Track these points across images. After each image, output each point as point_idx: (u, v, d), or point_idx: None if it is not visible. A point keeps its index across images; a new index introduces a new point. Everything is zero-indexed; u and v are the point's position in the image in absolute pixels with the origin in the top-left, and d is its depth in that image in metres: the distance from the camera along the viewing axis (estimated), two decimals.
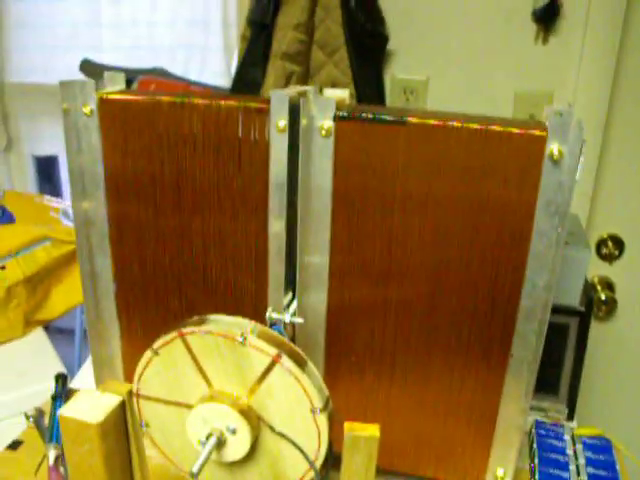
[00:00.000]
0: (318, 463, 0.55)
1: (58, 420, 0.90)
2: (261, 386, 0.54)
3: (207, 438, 0.54)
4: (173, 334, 0.54)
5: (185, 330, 0.54)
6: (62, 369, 1.14)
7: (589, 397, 1.39)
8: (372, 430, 0.52)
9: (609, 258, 1.39)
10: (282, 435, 0.54)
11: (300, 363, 0.53)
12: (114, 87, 0.74)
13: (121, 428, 0.56)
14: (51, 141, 1.61)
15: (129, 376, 0.83)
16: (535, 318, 0.66)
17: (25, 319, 1.17)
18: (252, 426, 0.54)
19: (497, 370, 0.69)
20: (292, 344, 0.54)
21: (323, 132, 0.63)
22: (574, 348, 0.99)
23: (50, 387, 0.99)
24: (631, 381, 1.44)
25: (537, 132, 0.60)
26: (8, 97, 1.50)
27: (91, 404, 0.55)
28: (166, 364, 0.56)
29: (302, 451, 0.54)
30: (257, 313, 0.73)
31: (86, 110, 0.70)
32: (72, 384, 0.98)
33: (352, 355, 0.71)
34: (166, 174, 0.71)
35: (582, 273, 0.95)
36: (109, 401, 0.55)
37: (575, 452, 0.80)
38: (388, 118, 0.62)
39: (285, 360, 0.52)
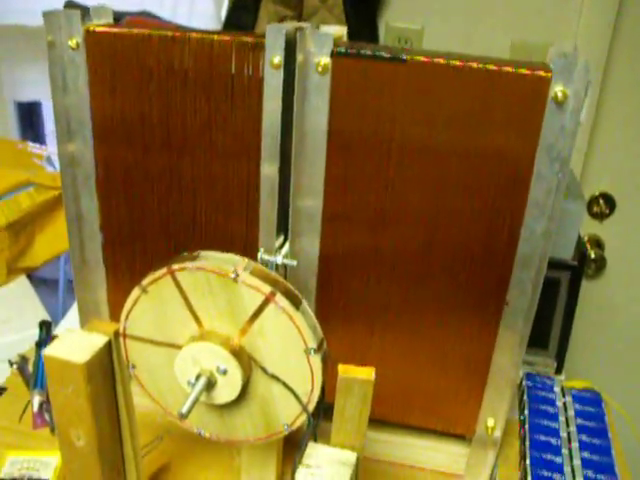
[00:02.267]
0: (311, 406, 0.54)
1: (42, 366, 0.89)
2: (253, 326, 0.52)
3: (196, 379, 0.53)
4: (162, 271, 0.53)
5: (175, 266, 0.52)
6: (46, 317, 1.13)
7: (577, 353, 1.40)
8: (367, 373, 0.51)
9: (600, 216, 1.38)
10: (274, 377, 0.53)
11: (294, 302, 0.52)
12: (100, 20, 0.71)
13: (107, 369, 0.55)
14: (34, 86, 1.55)
15: (116, 321, 0.81)
16: (532, 266, 0.65)
17: (8, 266, 1.14)
18: (243, 367, 0.52)
19: (492, 320, 0.68)
20: (286, 282, 0.53)
21: (320, 69, 0.61)
22: (565, 303, 0.99)
23: (34, 334, 0.98)
24: (618, 339, 1.45)
25: (542, 73, 0.58)
26: None
27: (76, 344, 0.53)
28: (155, 302, 0.54)
29: (295, 393, 0.53)
30: (247, 257, 0.71)
31: (72, 43, 0.67)
32: (56, 331, 0.97)
33: (344, 302, 0.70)
34: (155, 112, 0.68)
35: (576, 227, 0.94)
36: (95, 341, 0.54)
37: (565, 404, 0.80)
38: (387, 55, 0.60)
39: (280, 298, 0.50)
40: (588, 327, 1.41)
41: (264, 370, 0.53)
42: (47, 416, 0.81)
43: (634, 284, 1.42)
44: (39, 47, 1.52)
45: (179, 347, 0.54)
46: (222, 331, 0.53)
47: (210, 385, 0.53)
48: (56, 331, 0.97)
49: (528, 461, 0.71)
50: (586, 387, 0.85)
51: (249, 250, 0.71)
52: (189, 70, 0.65)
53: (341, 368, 0.52)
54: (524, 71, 0.58)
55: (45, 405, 0.82)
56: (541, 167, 0.61)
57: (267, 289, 0.51)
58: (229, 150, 0.67)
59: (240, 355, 0.53)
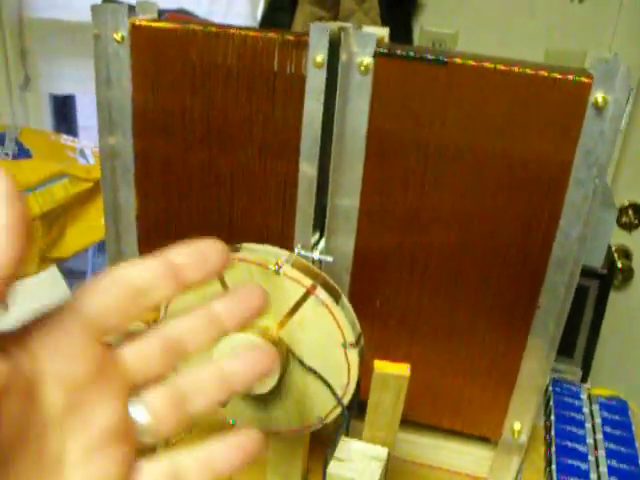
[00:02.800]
0: (346, 400, 0.54)
1: None
2: (293, 318, 0.53)
3: None
4: None
5: None
6: None
7: (602, 362, 1.39)
8: (402, 369, 0.52)
9: (629, 227, 1.38)
10: (311, 369, 0.54)
11: (334, 296, 0.52)
12: (145, 15, 0.72)
13: None
14: (69, 80, 1.58)
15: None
16: (566, 270, 0.65)
17: (40, 256, 1.16)
18: (281, 359, 0.53)
19: (522, 323, 0.68)
20: (326, 276, 0.53)
21: (362, 68, 0.62)
22: (592, 311, 0.99)
23: None
24: None
25: (583, 78, 0.58)
26: (27, 33, 1.47)
27: None
28: (195, 293, 0.55)
29: (330, 386, 0.53)
30: None
31: (117, 36, 0.69)
32: None
33: (377, 300, 0.71)
34: (196, 107, 0.69)
35: (607, 235, 0.94)
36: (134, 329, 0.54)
37: (591, 411, 0.80)
38: (429, 57, 0.60)
39: (320, 291, 0.51)
40: (614, 337, 1.41)
41: (301, 362, 0.54)
42: None
43: None
44: (75, 42, 1.55)
45: None
46: (261, 323, 0.54)
47: None
48: None
49: (554, 466, 0.71)
50: (613, 395, 0.84)
51: (284, 247, 0.72)
52: (232, 66, 0.66)
53: (377, 364, 0.52)
54: (565, 76, 0.59)
55: None
56: (579, 172, 0.61)
57: (308, 282, 0.51)
58: (268, 147, 0.68)
59: (279, 346, 0.53)
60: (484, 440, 0.78)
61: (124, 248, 0.79)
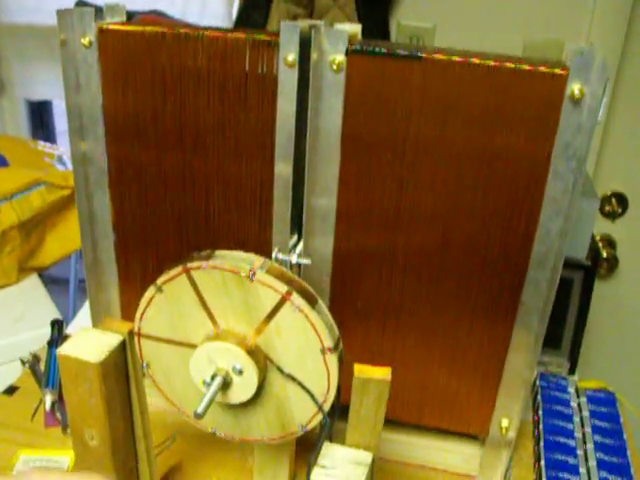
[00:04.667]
0: (326, 406, 0.53)
1: (54, 365, 0.89)
2: (269, 325, 0.52)
3: (212, 378, 0.53)
4: (178, 269, 0.52)
5: (190, 265, 0.52)
6: (57, 315, 1.13)
7: (588, 353, 1.39)
8: (383, 373, 0.51)
9: (612, 216, 1.37)
10: (290, 377, 0.53)
11: (311, 301, 0.51)
12: (114, 19, 0.71)
13: (122, 368, 0.54)
14: (44, 85, 1.55)
15: (128, 321, 0.81)
16: (548, 265, 0.64)
17: (19, 265, 1.14)
18: (259, 367, 0.52)
19: (506, 319, 0.68)
20: (302, 281, 0.52)
21: (334, 67, 0.60)
22: (578, 303, 0.98)
23: (45, 333, 0.98)
24: (631, 338, 1.44)
25: (558, 71, 0.57)
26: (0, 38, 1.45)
27: (91, 343, 0.53)
28: (170, 301, 0.54)
29: (310, 394, 0.52)
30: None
31: (85, 41, 0.67)
32: (68, 330, 0.97)
33: (358, 301, 0.70)
34: (168, 111, 0.68)
35: (590, 226, 0.93)
36: (109, 340, 0.53)
37: (579, 404, 0.80)
38: (403, 53, 0.59)
39: (295, 297, 0.50)
40: (600, 327, 1.41)
41: (280, 370, 0.53)
42: (59, 415, 0.81)
43: None
44: (50, 46, 1.53)
45: (194, 346, 0.54)
46: (238, 330, 0.53)
47: (226, 385, 0.53)
48: (68, 330, 0.97)
49: (543, 462, 0.71)
50: (600, 387, 0.84)
51: (262, 249, 0.71)
52: (202, 68, 0.65)
53: (357, 368, 0.51)
54: (541, 69, 0.58)
55: (57, 404, 0.82)
56: (557, 166, 0.60)
57: (283, 288, 0.50)
58: (242, 149, 0.67)
59: (256, 354, 0.52)
60: (472, 437, 0.77)
61: (101, 255, 0.78)
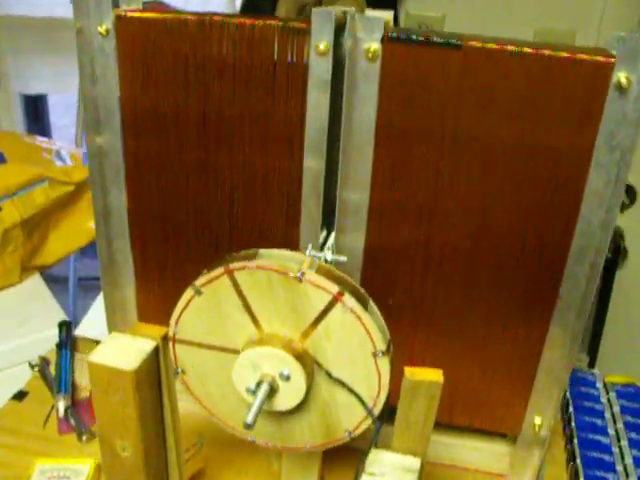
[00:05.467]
0: (376, 410, 0.51)
1: (65, 369, 0.86)
2: (317, 327, 0.49)
3: (257, 386, 0.50)
4: (219, 270, 0.49)
5: (234, 266, 0.49)
6: (63, 316, 1.09)
7: (604, 345, 1.38)
8: (435, 375, 0.49)
9: (621, 207, 1.36)
10: (339, 381, 0.50)
11: (362, 302, 0.49)
12: (130, 6, 0.67)
13: (155, 376, 0.51)
14: (40, 79, 1.51)
15: (144, 321, 0.78)
16: (587, 259, 0.62)
17: (22, 264, 1.11)
18: (307, 372, 0.49)
19: (542, 315, 0.66)
20: (352, 280, 0.50)
21: (370, 55, 0.58)
22: (598, 295, 0.97)
23: (53, 335, 0.95)
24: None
25: (605, 58, 0.55)
26: None
27: (123, 349, 0.50)
28: (209, 304, 0.51)
29: (360, 398, 0.50)
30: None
31: (101, 29, 0.64)
32: (76, 332, 0.94)
33: (389, 298, 0.67)
34: (190, 103, 0.65)
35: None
36: (142, 346, 0.50)
37: (609, 400, 0.78)
38: (441, 41, 0.57)
39: (348, 298, 0.47)
40: (612, 318, 1.39)
41: (328, 374, 0.50)
42: (73, 421, 0.78)
43: None
44: (47, 39, 1.49)
45: (235, 351, 0.51)
46: (283, 334, 0.50)
47: (272, 391, 0.50)
48: (76, 332, 0.94)
49: (579, 461, 0.69)
50: (628, 382, 0.82)
51: (289, 246, 0.68)
52: (228, 57, 0.62)
53: (408, 370, 0.49)
54: (586, 57, 0.56)
55: (70, 410, 0.79)
56: (600, 157, 0.58)
57: (334, 288, 0.48)
58: (269, 142, 0.64)
59: (304, 359, 0.50)
60: (503, 436, 0.75)
61: (116, 254, 0.75)
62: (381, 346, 0.49)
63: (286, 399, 0.51)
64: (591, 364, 0.98)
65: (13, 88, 1.51)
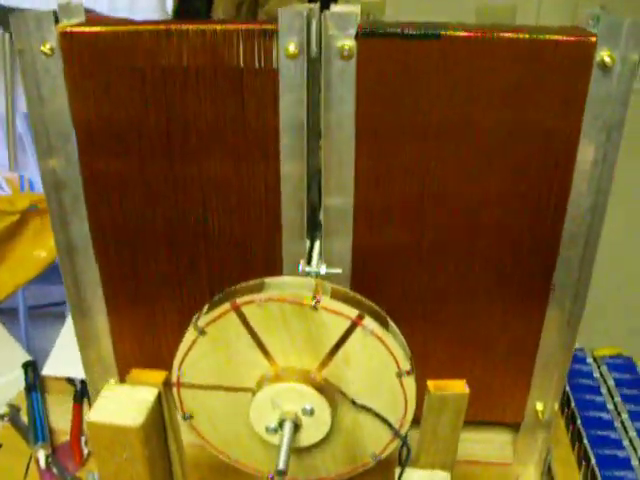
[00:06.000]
0: (404, 430, 0.48)
1: (38, 414, 0.80)
2: (337, 355, 0.46)
3: (280, 425, 0.46)
4: (225, 307, 0.45)
5: (241, 300, 0.45)
6: (24, 355, 1.02)
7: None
8: (459, 386, 0.46)
9: None
10: (365, 408, 0.47)
11: (383, 322, 0.46)
12: (70, 20, 0.62)
13: (161, 425, 0.47)
14: None
15: (120, 354, 0.74)
16: (579, 243, 0.62)
17: None
18: (331, 403, 0.46)
19: (539, 301, 0.65)
20: (369, 300, 0.47)
21: (344, 53, 0.55)
22: None
23: (16, 377, 0.88)
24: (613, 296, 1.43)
25: (586, 37, 0.54)
26: None
27: (122, 402, 0.45)
28: (216, 344, 0.47)
29: (387, 422, 0.47)
30: (269, 267, 0.64)
31: (45, 48, 0.58)
32: (44, 372, 0.87)
33: (382, 304, 0.65)
34: (152, 118, 0.60)
35: None
36: (144, 395, 0.46)
37: (602, 375, 0.78)
38: (420, 32, 0.54)
39: (368, 321, 0.44)
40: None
41: (353, 402, 0.47)
42: (56, 470, 0.72)
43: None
44: None
45: (248, 390, 0.47)
46: (300, 366, 0.47)
47: (296, 428, 0.47)
48: (44, 371, 0.87)
49: (586, 441, 0.69)
50: (616, 354, 0.83)
51: (272, 260, 0.65)
52: (189, 67, 0.58)
53: (431, 384, 0.47)
54: (567, 38, 0.54)
55: (52, 458, 0.74)
56: (587, 137, 0.57)
57: (354, 312, 0.44)
58: (242, 151, 0.61)
59: (326, 390, 0.46)
60: (504, 425, 0.75)
61: (85, 290, 0.69)
62: (405, 365, 0.46)
63: (311, 434, 0.48)
64: None
65: None
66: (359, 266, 0.64)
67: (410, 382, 0.46)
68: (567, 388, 0.77)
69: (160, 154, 0.62)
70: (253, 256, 0.65)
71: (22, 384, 0.85)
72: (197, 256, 0.66)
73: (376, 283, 0.65)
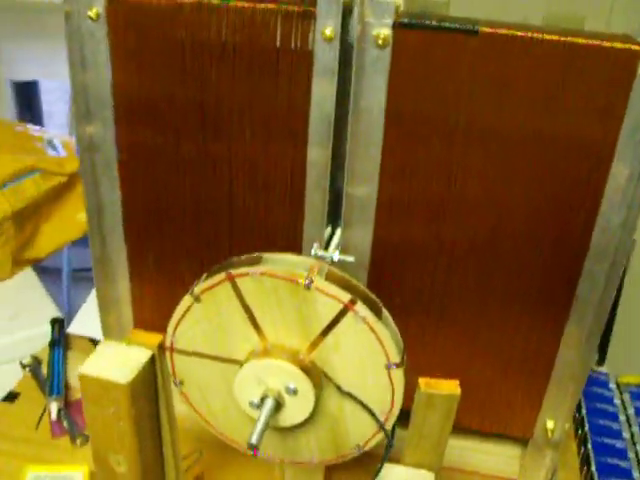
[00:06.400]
0: (389, 424, 0.48)
1: (58, 369, 0.82)
2: (326, 338, 0.46)
3: (262, 400, 0.46)
4: (220, 276, 0.46)
5: (236, 272, 0.45)
6: (56, 312, 1.06)
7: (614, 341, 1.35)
8: (451, 387, 0.46)
9: None
10: (350, 395, 0.47)
11: (376, 311, 0.45)
12: None
13: (151, 387, 0.48)
14: (31, 65, 1.45)
15: (139, 320, 0.75)
16: (607, 258, 0.59)
17: (13, 258, 1.07)
18: (315, 385, 0.46)
19: (559, 314, 0.63)
20: (365, 288, 0.46)
21: (380, 42, 0.54)
22: None
23: (45, 331, 0.91)
24: None
25: (631, 46, 0.52)
26: None
27: (116, 360, 0.47)
28: (209, 312, 0.48)
29: (372, 413, 0.47)
30: (289, 250, 0.64)
31: (92, 13, 0.60)
32: (69, 329, 0.90)
33: (396, 297, 0.64)
34: (187, 91, 0.61)
35: None
36: (137, 356, 0.47)
37: (623, 402, 0.75)
38: (457, 26, 0.53)
39: (360, 307, 0.44)
40: (624, 313, 1.36)
41: (339, 388, 0.47)
42: (66, 424, 0.75)
43: None
44: (36, 23, 1.44)
45: (237, 362, 0.48)
46: (289, 345, 0.47)
47: (277, 407, 0.47)
48: (69, 329, 0.90)
49: (594, 467, 0.66)
50: None
51: (292, 243, 0.65)
52: (227, 44, 0.58)
53: (422, 382, 0.46)
54: (610, 45, 0.52)
55: (63, 412, 0.76)
56: (623, 150, 0.55)
57: (346, 297, 0.44)
58: (271, 133, 0.61)
59: (312, 372, 0.46)
60: (513, 438, 0.73)
61: (110, 251, 0.71)
62: (395, 358, 0.45)
63: (293, 414, 0.48)
64: (601, 361, 0.95)
65: (3, 75, 1.46)
66: (378, 257, 0.63)
67: (398, 375, 0.46)
68: (584, 411, 0.74)
69: (193, 128, 0.63)
70: (275, 237, 0.66)
71: (49, 339, 0.88)
72: (220, 232, 0.67)
73: (393, 276, 0.64)
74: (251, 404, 0.48)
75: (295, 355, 0.46)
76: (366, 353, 0.46)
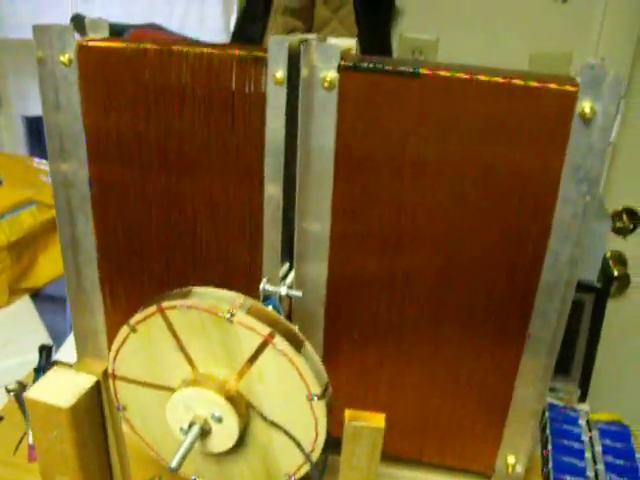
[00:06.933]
0: (315, 455, 0.49)
1: None
2: (251, 369, 0.48)
3: (189, 427, 0.48)
4: (152, 308, 0.48)
5: (165, 304, 0.47)
6: (48, 340, 1.09)
7: (598, 377, 1.34)
8: (376, 420, 0.47)
9: (623, 232, 1.32)
10: (274, 424, 0.48)
11: (296, 344, 0.47)
12: (96, 35, 0.67)
13: (96, 412, 0.50)
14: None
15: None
16: (557, 295, 0.60)
17: (9, 286, 1.11)
18: (240, 414, 0.48)
19: (513, 350, 0.63)
20: (287, 322, 0.48)
21: (326, 84, 0.57)
22: (589, 326, 0.93)
23: (34, 359, 0.94)
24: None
25: (568, 87, 0.53)
26: None
27: (62, 385, 0.49)
28: (144, 342, 0.50)
29: (297, 442, 0.48)
30: (251, 285, 0.66)
31: (64, 59, 0.63)
32: (57, 356, 0.93)
33: (354, 332, 0.65)
34: (152, 131, 0.64)
35: (601, 246, 0.88)
36: (82, 382, 0.49)
37: (591, 439, 0.75)
38: (399, 69, 0.55)
39: (279, 340, 0.46)
40: (611, 349, 1.35)
41: (263, 417, 0.49)
42: None
43: None
44: None
45: (171, 390, 0.50)
46: (217, 374, 0.49)
47: (204, 433, 0.48)
48: (57, 356, 0.93)
49: None
50: (613, 420, 0.79)
51: (252, 276, 0.67)
52: (187, 86, 0.61)
53: (348, 414, 0.47)
54: (547, 85, 0.54)
55: None
56: (567, 189, 0.56)
57: (265, 330, 0.46)
58: (230, 170, 0.63)
59: (237, 401, 0.48)
60: (476, 474, 0.73)
61: (85, 282, 0.74)
62: (316, 390, 0.47)
63: (220, 441, 0.49)
64: (583, 397, 0.94)
65: (15, 110, 1.53)
66: (334, 292, 0.65)
67: (320, 407, 0.47)
68: (549, 447, 0.74)
69: (157, 166, 0.65)
70: (236, 272, 0.68)
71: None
72: (186, 266, 0.69)
73: (349, 310, 0.65)
74: (181, 430, 0.49)
75: (222, 385, 0.48)
76: (288, 385, 0.47)
